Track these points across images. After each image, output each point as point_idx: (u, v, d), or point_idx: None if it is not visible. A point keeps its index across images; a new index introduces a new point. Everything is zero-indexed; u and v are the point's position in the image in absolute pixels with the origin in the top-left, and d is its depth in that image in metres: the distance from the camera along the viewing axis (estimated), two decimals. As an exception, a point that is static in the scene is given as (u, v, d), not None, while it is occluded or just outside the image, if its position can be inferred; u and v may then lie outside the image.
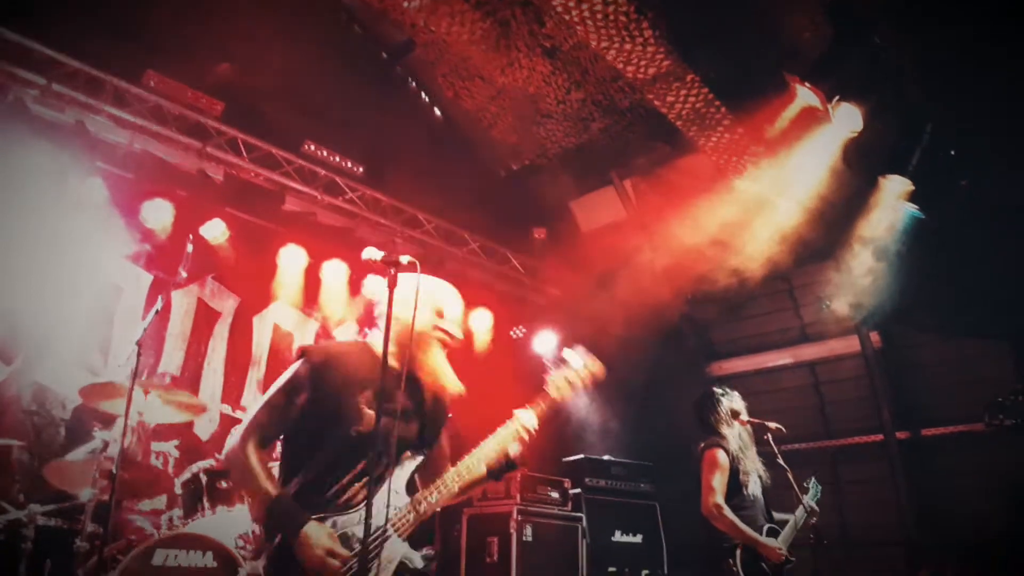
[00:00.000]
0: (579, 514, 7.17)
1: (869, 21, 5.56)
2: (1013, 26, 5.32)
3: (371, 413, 2.62)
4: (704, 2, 6.12)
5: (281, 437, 2.71)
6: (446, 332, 2.84)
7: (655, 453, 8.35)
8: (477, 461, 2.80)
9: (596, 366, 3.04)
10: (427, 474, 2.86)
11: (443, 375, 2.81)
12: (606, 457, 7.94)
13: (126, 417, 4.07)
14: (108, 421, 5.19)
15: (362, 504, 2.49)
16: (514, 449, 2.87)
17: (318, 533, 2.43)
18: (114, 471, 3.98)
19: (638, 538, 7.56)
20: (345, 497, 2.57)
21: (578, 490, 7.41)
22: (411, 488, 2.75)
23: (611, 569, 7.11)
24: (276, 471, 2.70)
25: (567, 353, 3.01)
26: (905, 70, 5.64)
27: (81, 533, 4.27)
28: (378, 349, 2.75)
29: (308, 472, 2.60)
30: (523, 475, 6.91)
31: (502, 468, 2.88)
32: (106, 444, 4.68)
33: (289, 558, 2.43)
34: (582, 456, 7.74)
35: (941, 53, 5.71)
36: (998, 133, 6.02)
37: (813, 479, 5.37)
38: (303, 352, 2.73)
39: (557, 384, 2.95)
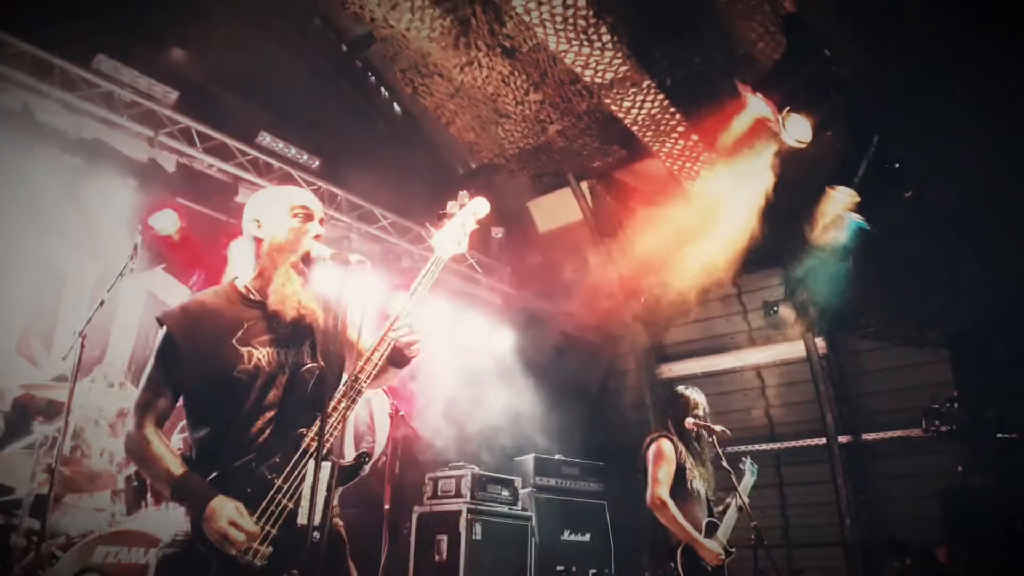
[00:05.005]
0: (528, 513, 7.22)
1: (821, 34, 5.69)
2: (959, 42, 5.50)
3: (249, 349, 2.57)
4: (662, 9, 6.20)
5: (173, 407, 2.58)
6: (313, 248, 2.69)
7: (605, 453, 8.44)
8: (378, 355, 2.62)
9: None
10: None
11: (293, 296, 2.64)
12: (557, 456, 8.00)
13: (67, 410, 3.99)
14: (49, 414, 5.06)
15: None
16: (404, 340, 2.65)
17: (223, 506, 2.33)
18: (54, 465, 3.90)
19: (587, 537, 7.63)
20: (264, 438, 2.50)
21: (528, 489, 7.46)
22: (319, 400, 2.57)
23: (559, 568, 7.16)
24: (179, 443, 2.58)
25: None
26: (854, 83, 5.79)
27: (18, 529, 4.15)
28: (238, 284, 2.76)
29: (213, 427, 2.51)
30: (474, 475, 6.94)
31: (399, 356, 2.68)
32: (46, 438, 4.57)
33: (201, 538, 2.33)
34: (533, 455, 7.78)
35: (890, 67, 5.88)
36: (942, 145, 6.21)
37: (748, 460, 5.43)
38: (161, 319, 2.62)
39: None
